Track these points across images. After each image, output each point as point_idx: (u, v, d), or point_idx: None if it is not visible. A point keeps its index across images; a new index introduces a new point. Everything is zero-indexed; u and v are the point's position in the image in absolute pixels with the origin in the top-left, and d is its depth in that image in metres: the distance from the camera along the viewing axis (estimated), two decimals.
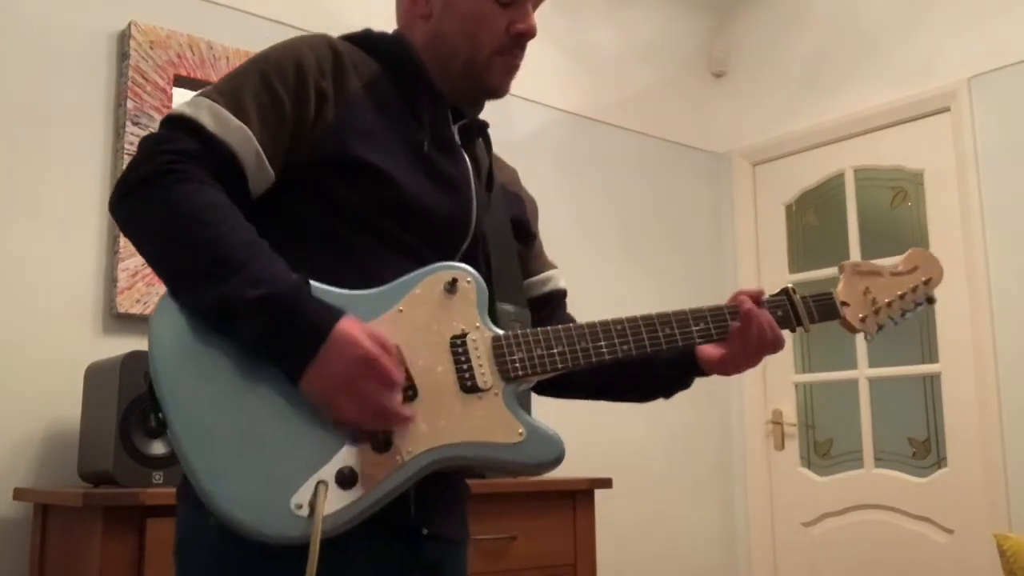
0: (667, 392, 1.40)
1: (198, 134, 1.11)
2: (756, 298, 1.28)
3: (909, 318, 1.31)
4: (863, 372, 3.63)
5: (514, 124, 3.40)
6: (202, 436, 1.01)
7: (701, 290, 3.95)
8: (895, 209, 3.67)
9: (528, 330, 1.17)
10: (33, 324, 2.33)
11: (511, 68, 1.29)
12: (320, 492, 1.00)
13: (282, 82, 1.16)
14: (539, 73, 3.52)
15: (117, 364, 2.06)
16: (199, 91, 1.19)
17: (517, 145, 3.39)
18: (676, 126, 4.03)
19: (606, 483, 2.70)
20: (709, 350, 1.29)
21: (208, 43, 2.66)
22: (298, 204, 1.17)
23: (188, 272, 1.05)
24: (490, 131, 1.39)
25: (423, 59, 1.28)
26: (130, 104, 2.50)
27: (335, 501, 1.02)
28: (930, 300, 1.33)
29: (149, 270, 2.46)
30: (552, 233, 3.44)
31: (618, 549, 3.41)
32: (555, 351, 1.16)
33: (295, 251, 1.11)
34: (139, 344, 2.35)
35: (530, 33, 1.28)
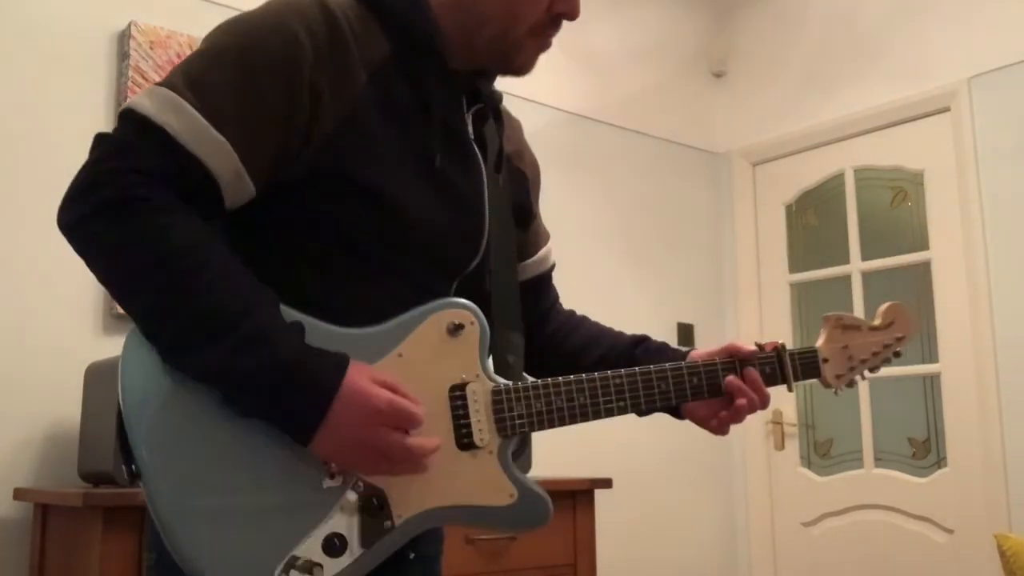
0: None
1: (167, 148, 0.95)
2: (746, 357, 1.24)
3: (874, 374, 1.39)
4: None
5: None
6: (180, 501, 0.93)
7: (701, 290, 3.95)
8: (895, 209, 3.66)
9: (528, 383, 1.10)
10: (33, 324, 2.33)
11: (542, 48, 1.18)
12: (319, 575, 0.96)
13: (270, 77, 0.99)
14: (539, 73, 3.50)
15: (117, 364, 2.06)
16: (166, 78, 0.99)
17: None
18: (676, 126, 4.03)
19: (606, 483, 2.70)
20: (694, 407, 1.25)
21: None
22: (285, 220, 1.04)
23: (167, 329, 0.94)
24: (521, 125, 1.33)
25: (441, 22, 1.12)
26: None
27: (325, 569, 0.97)
28: (897, 355, 1.41)
29: None
30: (552, 233, 3.44)
31: (618, 549, 3.41)
32: (554, 407, 1.11)
33: (280, 271, 1.03)
34: None
35: (571, 14, 1.16)
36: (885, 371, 3.89)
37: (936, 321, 3.43)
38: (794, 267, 3.93)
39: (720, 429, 1.25)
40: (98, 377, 2.16)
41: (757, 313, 3.98)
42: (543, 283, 1.40)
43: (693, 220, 4.04)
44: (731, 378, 1.21)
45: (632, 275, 3.72)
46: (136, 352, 0.97)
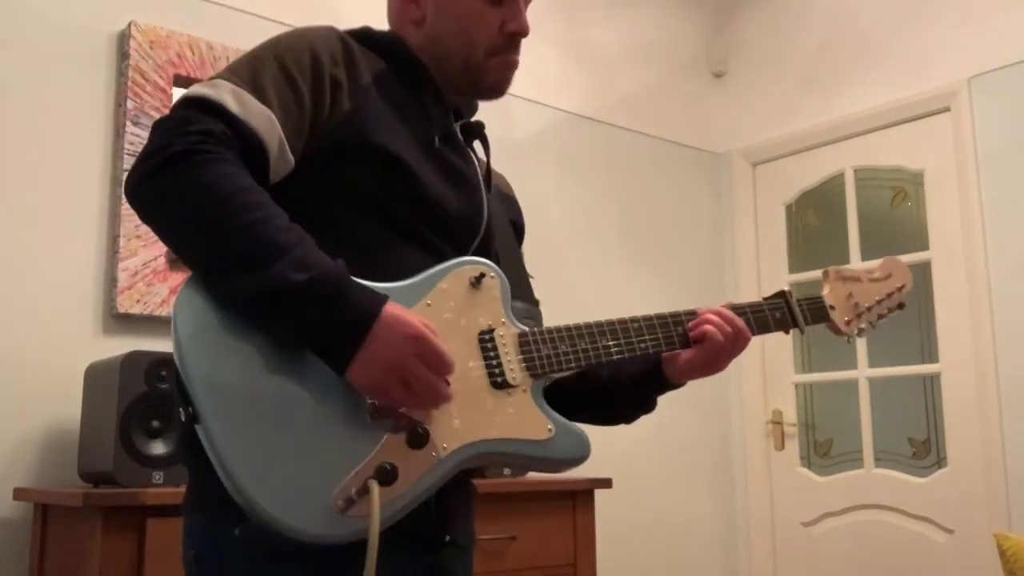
0: (628, 415, 1.40)
1: (223, 116, 1.07)
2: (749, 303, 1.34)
3: (883, 323, 1.42)
4: (863, 372, 3.63)
5: (514, 124, 3.40)
6: (237, 433, 0.97)
7: (701, 290, 3.95)
8: (895, 209, 3.67)
9: (551, 327, 1.18)
10: (33, 324, 2.33)
11: (508, 66, 1.29)
12: (374, 492, 0.97)
13: (299, 69, 1.14)
14: (539, 73, 3.52)
15: (117, 364, 2.06)
16: (213, 75, 1.14)
17: (517, 145, 3.39)
18: (676, 126, 4.04)
19: (606, 483, 2.70)
20: (675, 354, 1.31)
21: (208, 43, 2.66)
22: (314, 192, 1.15)
23: (227, 257, 1.01)
24: (488, 132, 1.39)
25: (421, 58, 1.28)
26: (130, 104, 2.50)
27: (381, 494, 0.99)
28: (901, 306, 1.44)
29: (149, 270, 2.46)
30: (552, 233, 3.46)
31: (618, 549, 3.41)
32: (579, 348, 1.18)
33: (313, 238, 1.07)
34: (139, 344, 2.35)
35: (522, 32, 1.28)
36: (885, 371, 3.89)
37: (936, 321, 3.43)
38: (794, 267, 3.93)
39: (715, 365, 1.30)
40: (98, 377, 2.16)
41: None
42: None
43: (693, 220, 4.04)
44: (701, 317, 1.29)
45: (632, 275, 3.72)
46: (189, 297, 1.02)
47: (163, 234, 1.05)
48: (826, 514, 3.68)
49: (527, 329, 1.16)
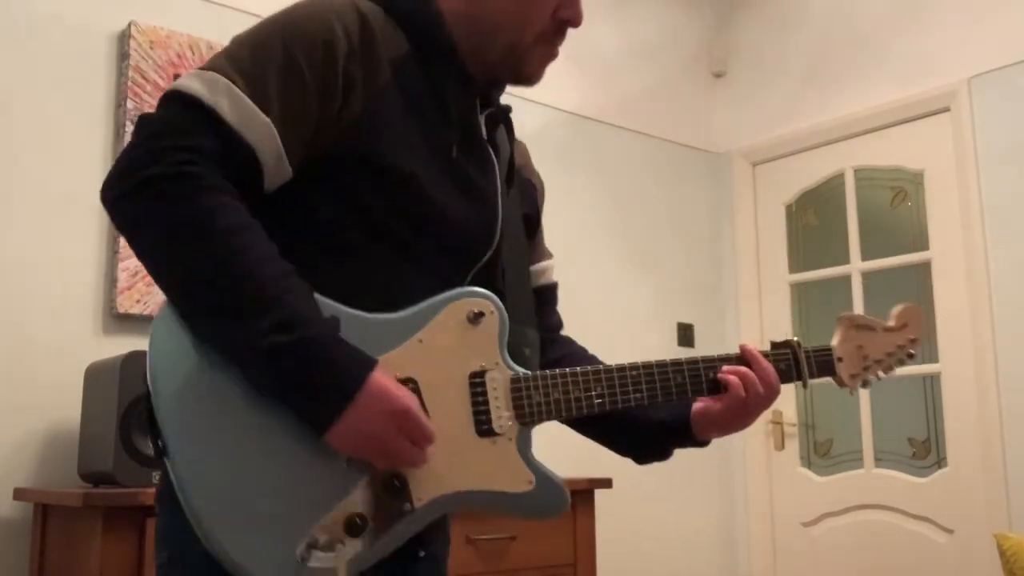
0: (640, 457, 1.37)
1: (216, 128, 0.99)
2: (759, 353, 1.26)
3: (889, 376, 1.37)
4: None
5: (514, 124, 3.39)
6: (206, 475, 0.95)
7: (701, 290, 3.95)
8: (895, 209, 3.67)
9: (547, 372, 1.13)
10: (33, 324, 2.33)
11: (549, 56, 1.22)
12: (340, 554, 0.97)
13: (309, 63, 1.03)
14: None
15: (117, 364, 2.06)
16: (211, 63, 1.04)
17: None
18: (676, 126, 4.04)
19: (606, 483, 2.70)
20: (706, 406, 1.24)
21: (208, 43, 2.66)
22: (313, 203, 1.07)
23: (208, 302, 0.96)
24: (527, 147, 1.36)
25: (454, 32, 1.16)
26: (130, 104, 2.50)
27: (349, 549, 0.99)
28: (910, 356, 1.39)
29: None
30: (552, 233, 3.43)
31: (618, 549, 3.41)
32: (571, 396, 1.13)
33: (306, 253, 1.04)
34: (139, 344, 2.35)
35: (576, 21, 1.20)
36: None
37: (936, 321, 3.42)
38: (794, 267, 3.93)
39: (739, 422, 1.23)
40: (98, 377, 2.16)
41: (757, 313, 3.98)
42: (541, 298, 1.38)
43: (693, 220, 4.04)
44: (728, 367, 1.21)
45: (632, 275, 3.72)
46: (165, 330, 0.98)
47: (140, 257, 1.00)
48: (826, 514, 3.68)
49: (520, 373, 1.10)
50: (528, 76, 1.22)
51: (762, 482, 3.87)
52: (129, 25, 2.55)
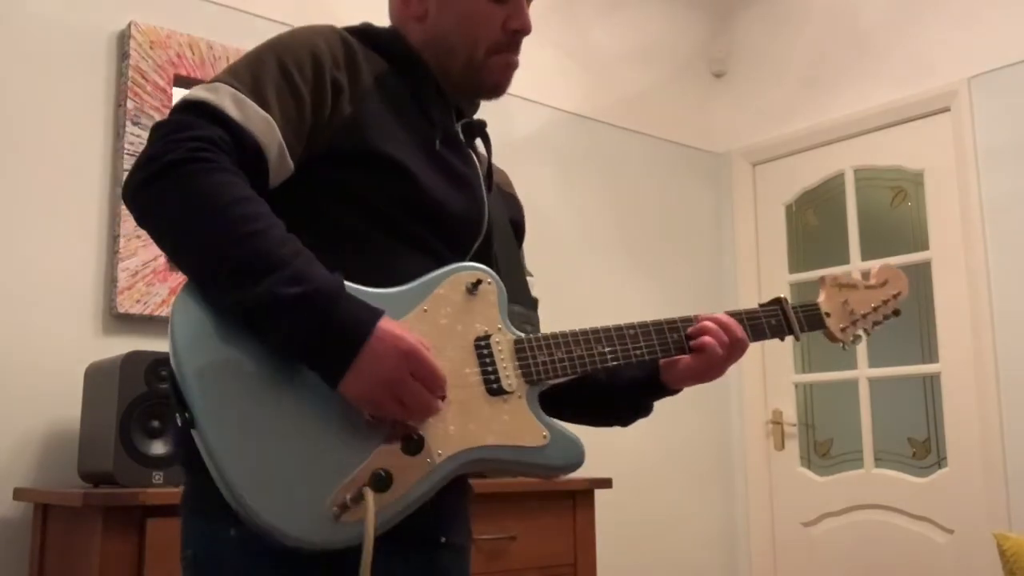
0: (624, 419, 1.41)
1: (223, 122, 1.07)
2: (745, 311, 1.36)
3: (878, 330, 1.43)
4: (863, 372, 3.63)
5: (514, 124, 3.40)
6: (233, 440, 0.98)
7: (701, 290, 3.95)
8: (895, 209, 3.67)
9: (548, 333, 1.18)
10: (33, 324, 2.33)
11: (509, 66, 1.29)
12: (369, 499, 0.99)
13: (300, 72, 1.13)
14: (539, 73, 3.52)
15: (117, 364, 2.06)
16: (214, 79, 1.14)
17: (517, 145, 3.39)
18: (676, 126, 4.03)
19: (606, 483, 2.70)
20: (674, 360, 1.31)
21: (208, 43, 2.66)
22: (313, 196, 1.15)
23: (223, 268, 1.01)
24: (489, 131, 1.38)
25: (423, 57, 1.27)
26: (130, 104, 2.50)
27: (376, 500, 1.01)
28: (896, 312, 1.45)
29: (149, 270, 2.46)
30: (552, 233, 3.45)
31: (618, 549, 3.41)
32: (575, 354, 1.18)
33: (310, 244, 1.07)
34: (139, 344, 2.35)
35: (525, 30, 1.27)
36: (885, 371, 3.89)
37: (936, 321, 3.43)
38: (794, 267, 3.93)
39: (712, 373, 1.30)
40: (98, 377, 2.16)
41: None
42: None
43: (693, 220, 4.04)
44: (701, 317, 1.30)
45: (632, 275, 3.72)
46: (185, 306, 1.03)
47: (159, 240, 1.06)
48: (826, 514, 3.68)
49: (523, 335, 1.16)
50: (492, 87, 1.29)
51: (762, 482, 3.87)
52: (129, 25, 2.54)
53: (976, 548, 3.19)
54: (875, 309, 1.42)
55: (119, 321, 2.45)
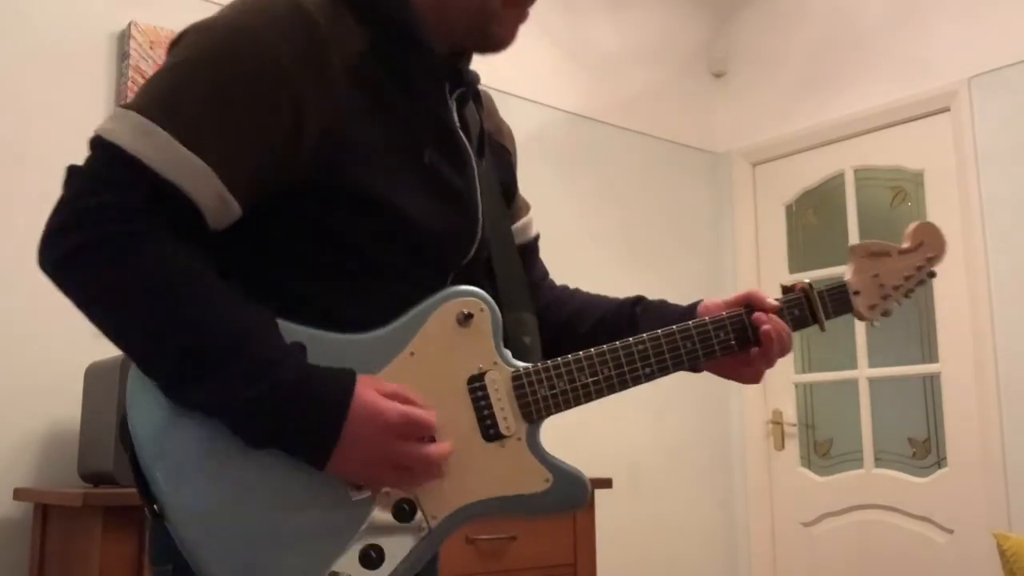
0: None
1: (143, 178, 0.90)
2: (771, 308, 1.20)
3: (910, 298, 1.31)
4: (863, 372, 3.63)
5: (514, 124, 3.39)
6: (209, 534, 0.92)
7: (701, 290, 3.95)
8: (895, 209, 3.66)
9: (548, 363, 1.07)
10: (33, 324, 2.33)
11: (519, 19, 1.14)
12: None
13: (247, 91, 0.94)
14: (539, 73, 3.52)
15: (117, 364, 2.06)
16: (135, 98, 0.94)
17: (517, 145, 3.38)
18: (676, 126, 4.03)
19: (606, 483, 2.70)
20: (718, 360, 1.20)
21: None
22: (283, 233, 1.01)
23: (165, 369, 0.92)
24: (492, 101, 1.32)
25: (417, 4, 1.08)
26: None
27: None
28: (931, 275, 1.32)
29: None
30: (552, 233, 3.43)
31: (618, 549, 3.41)
32: (578, 384, 1.08)
33: (280, 283, 1.00)
34: None
35: None
36: (885, 371, 3.88)
37: (936, 321, 3.43)
38: (794, 267, 3.93)
39: (754, 377, 1.21)
40: (98, 377, 2.16)
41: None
42: (527, 254, 1.34)
43: (693, 220, 4.04)
44: (766, 327, 1.16)
45: (632, 275, 3.71)
46: (142, 391, 0.94)
47: (94, 322, 0.95)
48: (826, 514, 3.68)
49: (521, 368, 1.06)
50: (500, 41, 1.13)
51: (762, 482, 3.87)
52: (129, 25, 2.54)
53: (976, 548, 3.19)
54: (907, 279, 1.28)
55: None
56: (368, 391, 0.94)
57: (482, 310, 1.05)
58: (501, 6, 1.10)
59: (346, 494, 0.96)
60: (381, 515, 0.97)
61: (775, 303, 1.21)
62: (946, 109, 3.45)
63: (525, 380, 1.06)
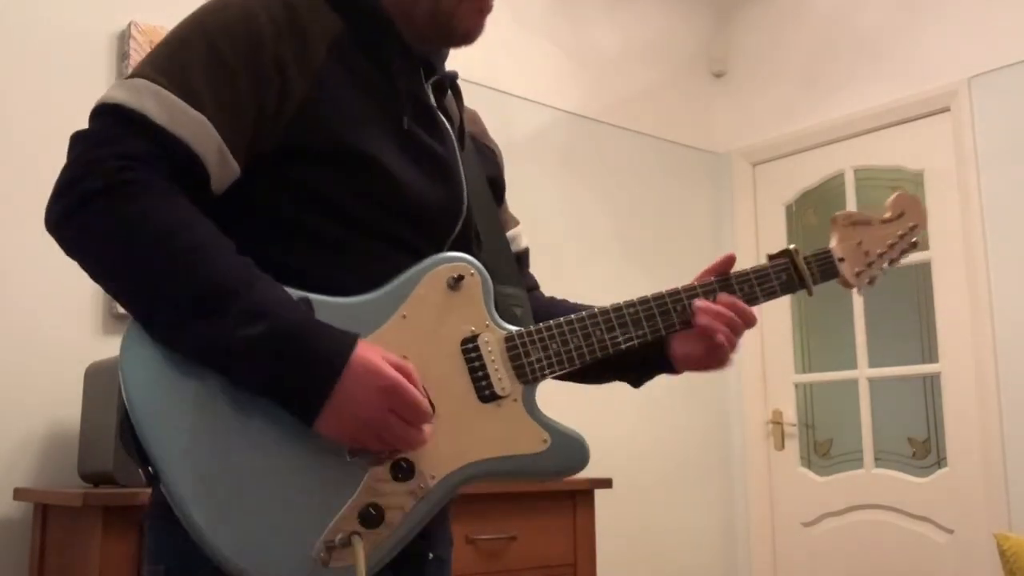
0: (605, 380, 1.31)
1: (146, 130, 0.94)
2: (723, 272, 1.25)
3: (895, 267, 1.34)
4: (863, 372, 3.63)
5: (514, 124, 3.40)
6: (205, 492, 0.90)
7: None
8: None
9: (541, 325, 1.08)
10: (33, 324, 2.33)
11: (481, 11, 1.14)
12: (357, 547, 0.93)
13: (235, 54, 0.99)
14: (539, 73, 3.52)
15: (117, 364, 2.06)
16: (134, 71, 0.99)
17: (517, 145, 3.39)
18: (676, 126, 4.03)
19: (606, 483, 2.70)
20: (680, 346, 1.22)
21: None
22: (270, 196, 1.03)
23: (167, 307, 0.91)
24: (489, 130, 1.34)
25: (384, 3, 1.12)
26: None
27: (365, 540, 0.95)
28: (913, 245, 1.35)
29: None
30: (552, 233, 3.45)
31: (618, 549, 3.41)
32: (571, 346, 1.09)
33: (271, 249, 1.01)
34: None
35: None
36: (885, 371, 3.87)
37: (936, 321, 3.43)
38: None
39: (716, 363, 1.22)
40: (98, 377, 2.16)
41: (757, 313, 3.96)
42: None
43: (693, 220, 4.04)
44: (697, 302, 1.20)
45: (632, 275, 3.72)
46: (136, 350, 0.94)
47: (95, 278, 0.96)
48: (826, 514, 3.68)
49: (514, 330, 1.07)
50: (463, 34, 1.15)
51: (762, 482, 3.87)
52: (129, 25, 2.55)
53: (976, 548, 3.19)
54: (891, 247, 1.31)
55: (119, 321, 2.44)
56: (372, 353, 0.94)
57: (472, 274, 1.06)
58: (457, 2, 1.12)
59: (342, 453, 0.96)
60: (378, 475, 0.97)
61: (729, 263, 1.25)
62: (946, 109, 3.45)
63: (518, 341, 1.07)
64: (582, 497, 2.65)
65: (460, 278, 1.05)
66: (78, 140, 0.97)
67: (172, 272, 0.91)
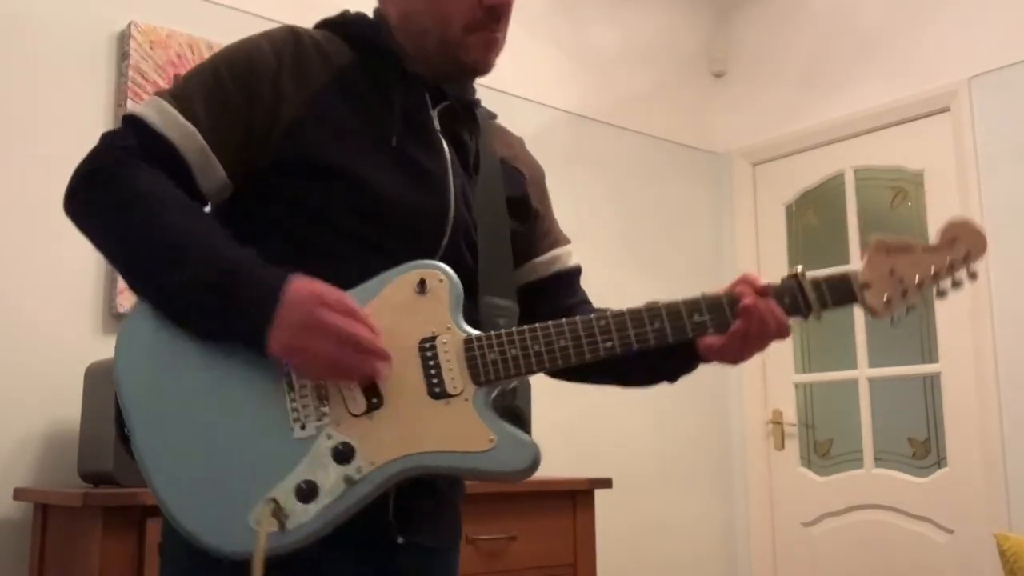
0: (671, 377, 1.30)
1: (142, 130, 1.11)
2: (759, 288, 1.19)
3: (947, 298, 1.21)
4: (863, 372, 3.63)
5: (514, 124, 3.38)
6: (164, 452, 1.02)
7: (701, 291, 3.94)
8: (895, 209, 3.67)
9: (503, 330, 1.09)
10: (33, 324, 2.33)
11: (490, 43, 1.21)
12: (264, 511, 1.00)
13: (232, 77, 1.14)
14: (539, 73, 3.52)
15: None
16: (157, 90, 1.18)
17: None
18: (676, 126, 4.04)
19: (606, 483, 2.70)
20: (708, 339, 1.18)
21: (208, 43, 2.66)
22: (262, 207, 1.14)
23: (140, 265, 1.07)
24: (523, 141, 1.37)
25: (399, 38, 1.22)
26: (130, 104, 2.50)
27: (297, 515, 1.01)
28: (972, 276, 1.21)
29: None
30: None
31: (618, 549, 3.41)
32: (531, 351, 1.08)
33: (259, 249, 1.07)
34: None
35: (503, 6, 1.20)
36: (885, 371, 3.88)
37: (936, 321, 3.43)
38: (794, 267, 3.92)
39: (736, 356, 1.19)
40: (98, 377, 2.16)
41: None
42: (559, 284, 1.39)
43: (693, 220, 4.04)
44: (746, 300, 1.15)
45: (632, 275, 3.72)
46: (135, 324, 1.07)
47: (95, 246, 1.12)
48: (826, 514, 3.68)
49: (474, 333, 1.08)
50: (472, 66, 1.23)
51: (762, 482, 3.87)
52: (129, 25, 2.55)
53: (976, 548, 3.20)
54: (935, 275, 1.19)
55: (119, 321, 2.44)
56: (306, 278, 1.03)
57: (441, 280, 1.10)
58: (463, 35, 1.19)
59: (290, 432, 1.03)
60: (321, 453, 1.03)
61: (765, 284, 1.19)
62: (946, 109, 3.45)
63: (476, 344, 1.08)
64: (582, 497, 2.65)
65: (424, 282, 1.09)
66: (99, 139, 1.15)
67: (141, 233, 1.06)
